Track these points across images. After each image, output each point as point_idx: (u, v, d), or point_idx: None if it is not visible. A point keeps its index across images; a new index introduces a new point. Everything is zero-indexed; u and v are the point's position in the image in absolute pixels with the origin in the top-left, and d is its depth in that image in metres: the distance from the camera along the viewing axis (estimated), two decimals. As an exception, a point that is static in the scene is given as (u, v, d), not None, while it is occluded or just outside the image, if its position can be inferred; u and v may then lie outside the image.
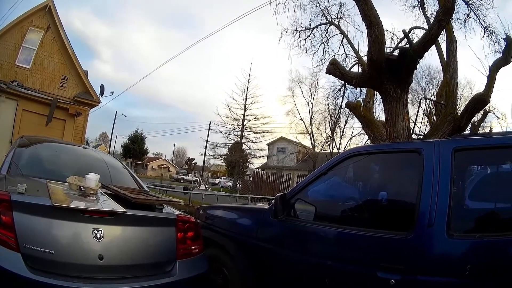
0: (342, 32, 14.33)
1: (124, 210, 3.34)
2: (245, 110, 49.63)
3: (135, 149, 76.47)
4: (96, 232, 3.15)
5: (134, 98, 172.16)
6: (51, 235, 3.02)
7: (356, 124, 32.93)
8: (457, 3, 9.32)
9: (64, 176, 4.00)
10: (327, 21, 14.29)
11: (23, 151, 4.79)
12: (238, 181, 47.18)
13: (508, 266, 2.81)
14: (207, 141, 53.61)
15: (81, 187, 3.78)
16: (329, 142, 35.29)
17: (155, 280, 3.41)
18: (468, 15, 11.67)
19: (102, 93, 20.60)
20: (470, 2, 11.40)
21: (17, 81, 16.88)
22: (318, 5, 13.94)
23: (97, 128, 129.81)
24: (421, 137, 10.68)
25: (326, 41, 14.52)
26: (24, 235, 2.88)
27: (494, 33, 11.57)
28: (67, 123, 18.16)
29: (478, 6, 11.43)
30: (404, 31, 10.14)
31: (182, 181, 60.38)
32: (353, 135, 33.27)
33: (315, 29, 14.35)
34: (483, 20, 11.58)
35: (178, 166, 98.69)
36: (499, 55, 10.13)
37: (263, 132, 50.41)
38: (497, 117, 11.87)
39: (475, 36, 12.14)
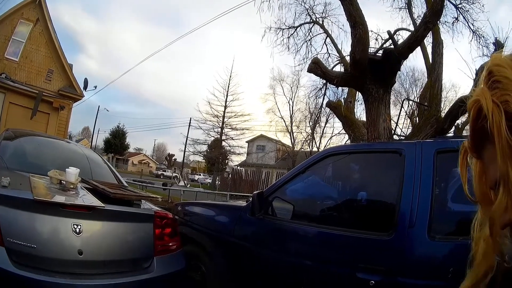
0: (326, 31, 14.39)
1: (103, 205, 3.34)
2: (225, 107, 49.34)
3: (116, 144, 76.11)
4: (75, 226, 3.15)
5: (117, 93, 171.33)
6: (32, 229, 3.03)
7: (336, 124, 32.79)
8: (446, 6, 9.38)
9: (46, 170, 3.99)
10: (311, 20, 14.36)
11: (8, 144, 4.78)
12: (217, 178, 46.88)
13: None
14: (187, 137, 53.24)
15: (62, 181, 3.78)
16: (309, 141, 35.17)
17: (133, 276, 3.43)
18: (456, 18, 11.74)
19: (85, 87, 20.64)
20: (459, 5, 11.45)
21: (5, 74, 16.87)
22: (303, 3, 14.03)
23: (80, 122, 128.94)
24: (403, 138, 10.71)
25: (310, 40, 14.64)
26: (8, 229, 2.88)
27: (483, 37, 11.64)
28: (51, 116, 18.16)
29: (468, 10, 11.50)
30: (389, 32, 10.18)
31: (162, 177, 60.22)
32: (333, 134, 33.12)
33: (299, 27, 14.45)
34: (472, 24, 11.64)
35: (158, 162, 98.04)
36: (487, 59, 10.16)
37: (243, 129, 50.12)
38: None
39: (463, 40, 12.23)
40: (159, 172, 74.11)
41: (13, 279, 2.75)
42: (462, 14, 11.62)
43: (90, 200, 3.46)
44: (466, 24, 11.75)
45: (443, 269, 2.84)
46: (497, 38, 9.92)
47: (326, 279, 3.56)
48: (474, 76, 9.29)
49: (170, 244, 3.91)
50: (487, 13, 11.41)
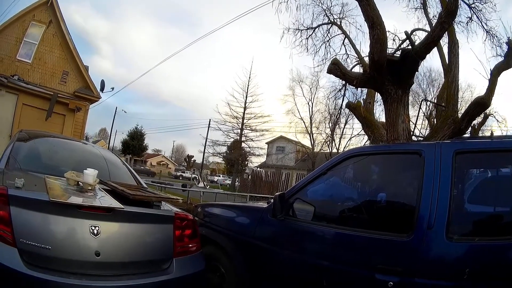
0: (344, 32, 14.25)
1: (122, 206, 3.33)
2: (245, 108, 49.46)
3: (134, 145, 76.44)
4: (93, 228, 3.14)
5: (133, 94, 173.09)
6: (47, 230, 3.01)
7: (356, 125, 32.77)
8: (460, 6, 9.29)
9: (62, 171, 4.01)
10: (329, 21, 14.22)
11: (21, 145, 4.78)
12: (236, 179, 47.16)
13: (508, 270, 2.80)
14: (206, 138, 53.48)
15: (79, 183, 3.77)
16: (328, 142, 35.14)
17: (151, 277, 3.41)
18: (470, 18, 11.65)
19: (102, 88, 20.66)
20: (473, 5, 11.38)
21: (17, 75, 16.92)
22: (320, 4, 13.90)
23: (97, 124, 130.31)
24: (421, 139, 10.64)
25: (328, 41, 14.45)
26: (21, 230, 2.88)
27: (496, 36, 11.55)
28: (67, 118, 18.22)
29: (481, 10, 11.42)
30: (406, 32, 10.08)
31: (180, 178, 60.40)
32: (352, 135, 33.06)
33: (317, 28, 14.27)
34: (486, 24, 11.56)
35: (177, 163, 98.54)
36: (501, 59, 10.13)
37: (262, 130, 50.21)
38: (497, 120, 11.80)
39: (477, 39, 12.13)
40: (178, 173, 74.26)
41: (26, 280, 2.75)
42: (475, 14, 11.56)
43: (108, 201, 3.45)
44: (480, 24, 11.68)
45: (461, 270, 2.82)
46: (510, 38, 9.80)
47: (346, 280, 3.55)
48: (489, 76, 9.22)
49: (190, 245, 3.90)
50: (499, 13, 11.35)
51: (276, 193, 4.33)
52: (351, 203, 4.32)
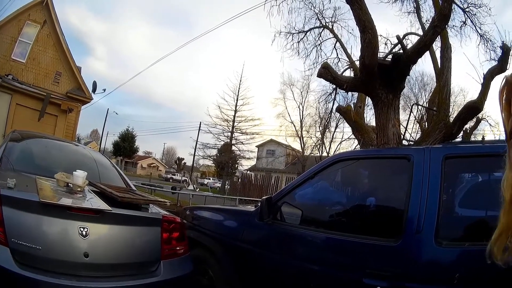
0: (335, 36, 14.30)
1: (110, 208, 3.34)
2: (235, 111, 49.68)
3: (125, 147, 76.77)
4: (82, 229, 3.15)
5: (126, 96, 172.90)
6: (38, 230, 3.03)
7: (346, 129, 32.66)
8: (453, 10, 9.32)
9: (53, 172, 4.01)
10: (321, 25, 14.29)
11: (14, 146, 4.79)
12: (226, 182, 47.05)
13: (498, 276, 2.81)
14: (197, 141, 53.51)
15: (69, 184, 3.79)
16: (318, 146, 35.18)
17: (139, 279, 3.43)
18: (464, 22, 11.67)
19: (94, 89, 20.66)
20: (467, 9, 11.39)
21: (12, 75, 16.92)
22: (312, 8, 13.98)
23: (89, 125, 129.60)
24: (412, 143, 10.64)
25: (319, 44, 14.55)
26: (13, 230, 2.89)
27: (490, 41, 11.55)
28: (59, 119, 18.25)
29: (475, 14, 11.44)
30: (398, 37, 10.10)
31: (171, 181, 60.30)
32: (343, 139, 33.08)
33: (309, 32, 14.37)
34: (480, 28, 11.57)
35: (168, 166, 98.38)
36: (494, 63, 10.13)
37: (253, 134, 50.50)
38: (490, 125, 11.86)
39: (471, 44, 12.14)
40: (169, 176, 74.03)
41: (17, 279, 2.76)
42: (469, 18, 11.57)
43: (97, 203, 3.46)
44: (474, 28, 11.69)
45: (450, 275, 2.82)
46: (504, 42, 9.82)
47: (333, 284, 3.54)
48: (482, 80, 9.24)
49: (178, 248, 3.91)
50: (494, 17, 11.35)
51: (263, 197, 4.34)
52: (339, 207, 4.31)
